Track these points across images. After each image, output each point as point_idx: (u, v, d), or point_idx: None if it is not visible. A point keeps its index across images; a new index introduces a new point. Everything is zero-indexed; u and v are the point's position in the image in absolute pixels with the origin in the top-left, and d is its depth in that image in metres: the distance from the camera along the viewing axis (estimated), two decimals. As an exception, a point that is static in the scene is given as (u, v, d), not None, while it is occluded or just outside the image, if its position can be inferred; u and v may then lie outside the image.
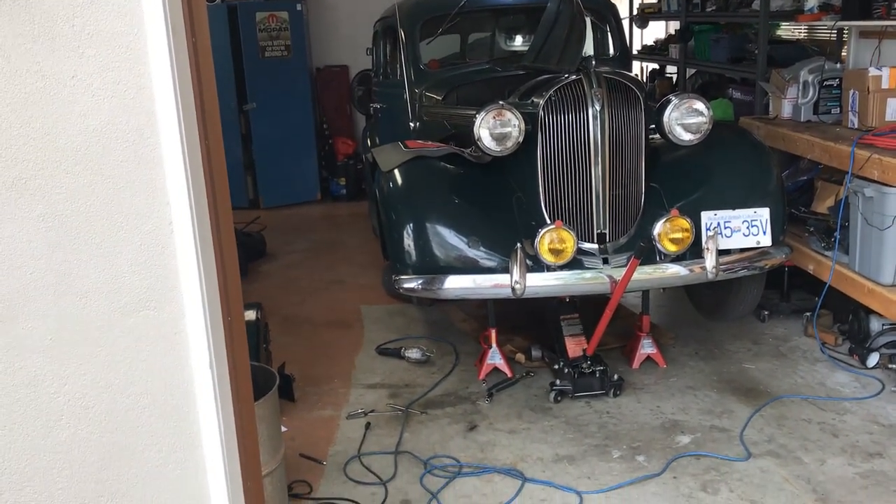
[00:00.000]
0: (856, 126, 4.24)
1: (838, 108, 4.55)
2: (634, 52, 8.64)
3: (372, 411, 3.68)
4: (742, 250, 3.66)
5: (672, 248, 3.52)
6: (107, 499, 1.76)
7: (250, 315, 3.62)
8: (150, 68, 1.60)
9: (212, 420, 1.75)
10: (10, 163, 1.57)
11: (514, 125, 3.66)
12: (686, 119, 3.72)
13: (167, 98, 1.60)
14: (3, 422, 1.67)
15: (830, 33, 5.35)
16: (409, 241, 3.60)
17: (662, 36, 8.95)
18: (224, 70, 7.29)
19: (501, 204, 3.73)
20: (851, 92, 4.27)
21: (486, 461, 3.23)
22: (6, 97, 1.55)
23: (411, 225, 3.61)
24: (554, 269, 3.50)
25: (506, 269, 3.47)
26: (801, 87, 4.68)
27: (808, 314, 4.26)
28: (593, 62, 3.74)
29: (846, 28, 4.93)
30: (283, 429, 3.28)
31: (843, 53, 5.23)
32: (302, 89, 7.87)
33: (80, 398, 1.70)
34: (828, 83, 4.59)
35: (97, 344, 1.69)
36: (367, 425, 3.54)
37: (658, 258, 3.57)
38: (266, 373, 2.69)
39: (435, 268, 3.56)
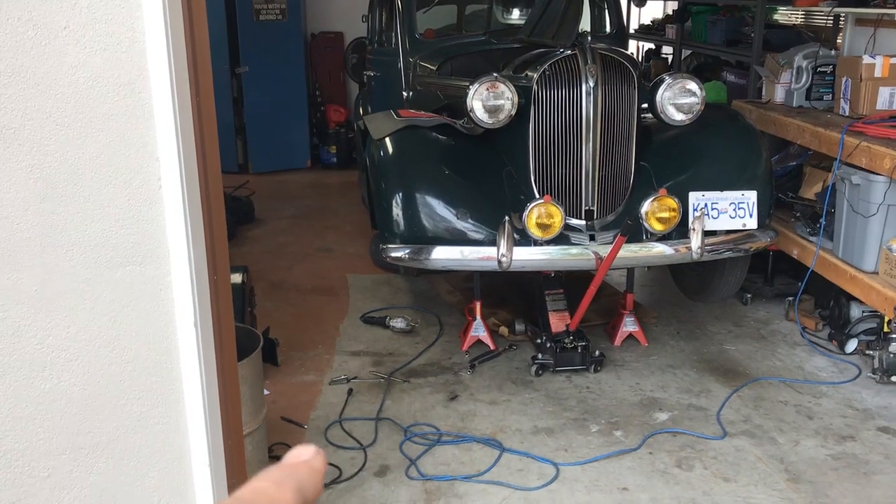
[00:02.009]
0: (847, 113, 4.26)
1: (830, 95, 4.57)
2: (631, 31, 8.60)
3: (355, 378, 3.70)
4: (728, 232, 3.69)
5: (658, 227, 3.55)
6: (88, 451, 1.78)
7: (236, 278, 3.62)
8: (143, 21, 1.59)
9: (194, 376, 1.77)
10: (-1, 112, 1.57)
11: (507, 98, 3.65)
12: (678, 99, 3.73)
13: (160, 52, 1.59)
14: (-14, 370, 1.68)
15: (827, 19, 5.35)
16: (397, 211, 3.61)
17: (660, 16, 8.92)
18: (217, 31, 7.21)
19: (491, 177, 3.74)
20: (844, 79, 4.29)
21: (465, 431, 3.27)
22: (-3, 45, 1.54)
23: (400, 194, 3.61)
24: (541, 244, 3.52)
25: (493, 242, 3.48)
26: (794, 73, 4.69)
27: (790, 298, 4.30)
28: (589, 38, 3.73)
29: (843, 15, 4.93)
30: (266, 392, 3.30)
31: (838, 40, 5.24)
32: (295, 55, 7.80)
33: (64, 350, 1.71)
34: (821, 69, 4.60)
35: (82, 297, 1.70)
36: (350, 391, 3.57)
37: (644, 237, 3.60)
38: (250, 334, 2.70)
39: (422, 238, 3.57)
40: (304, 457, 0.36)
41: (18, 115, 1.58)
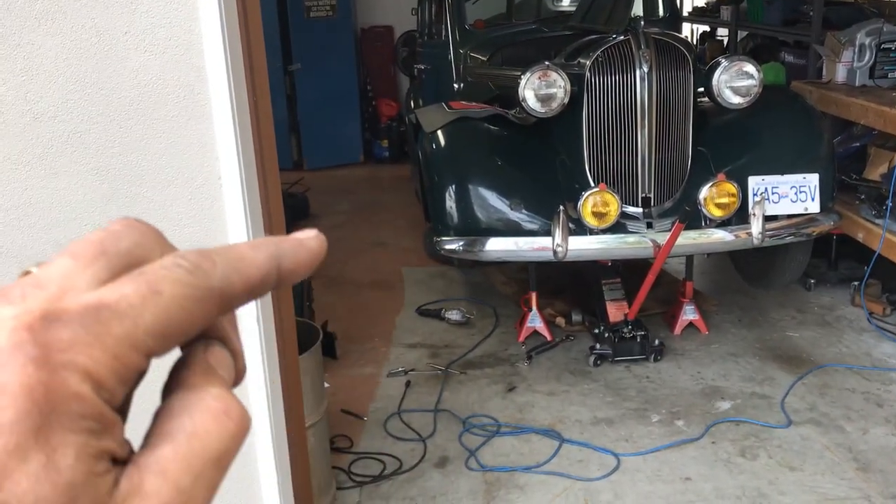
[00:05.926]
0: (913, 91, 4.12)
1: (896, 73, 4.42)
2: (685, 13, 8.44)
3: (412, 370, 3.73)
4: (789, 216, 3.60)
5: (718, 213, 3.48)
6: (157, 443, 1.83)
7: (294, 273, 3.67)
8: (199, 24, 1.62)
9: (257, 370, 1.80)
10: (66, 117, 1.62)
11: (559, 86, 3.62)
12: (735, 82, 3.65)
13: (216, 54, 1.62)
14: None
15: (890, -6, 5.17)
16: (450, 203, 3.61)
17: (714, -3, 8.72)
18: (269, 30, 7.22)
19: (545, 166, 3.71)
20: (910, 55, 4.14)
21: (524, 422, 3.26)
22: (63, 52, 1.59)
23: (453, 186, 3.62)
24: (597, 233, 3.49)
25: (548, 232, 3.46)
26: (857, 51, 4.54)
27: (855, 283, 4.18)
28: (642, 23, 3.68)
29: (907, -11, 4.77)
30: (326, 385, 3.34)
31: (902, 15, 5.06)
32: (346, 50, 7.85)
33: (133, 346, 1.76)
34: (885, 46, 4.45)
35: (149, 294, 1.74)
36: (408, 384, 3.59)
37: (703, 223, 3.53)
38: (309, 328, 2.74)
39: (476, 230, 3.57)
40: (299, 235, 0.32)
41: (84, 120, 1.63)
